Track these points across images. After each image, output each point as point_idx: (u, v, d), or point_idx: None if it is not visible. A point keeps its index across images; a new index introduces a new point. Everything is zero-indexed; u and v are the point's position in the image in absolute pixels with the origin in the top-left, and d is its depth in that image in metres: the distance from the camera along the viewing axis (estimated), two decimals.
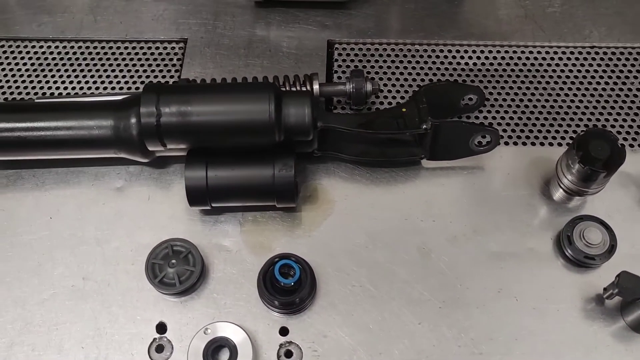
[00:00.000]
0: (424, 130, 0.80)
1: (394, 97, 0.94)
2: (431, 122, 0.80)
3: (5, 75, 0.97)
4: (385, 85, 0.95)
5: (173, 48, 1.00)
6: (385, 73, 0.97)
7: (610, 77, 0.96)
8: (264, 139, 0.77)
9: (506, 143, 0.89)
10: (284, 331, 0.76)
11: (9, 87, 0.96)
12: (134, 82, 0.96)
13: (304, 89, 0.87)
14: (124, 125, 0.79)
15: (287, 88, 0.87)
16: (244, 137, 0.77)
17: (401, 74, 0.97)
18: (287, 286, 0.75)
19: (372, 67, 0.98)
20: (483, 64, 0.98)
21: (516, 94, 0.94)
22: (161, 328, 0.76)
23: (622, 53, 0.99)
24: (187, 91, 0.77)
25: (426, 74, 0.97)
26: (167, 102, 0.75)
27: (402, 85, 0.95)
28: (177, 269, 0.77)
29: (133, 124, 0.79)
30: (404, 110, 0.84)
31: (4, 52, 1.00)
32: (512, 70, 0.97)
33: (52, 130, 0.80)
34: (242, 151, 0.79)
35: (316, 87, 0.87)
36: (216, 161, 0.78)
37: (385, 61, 0.98)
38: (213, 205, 0.80)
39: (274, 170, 0.78)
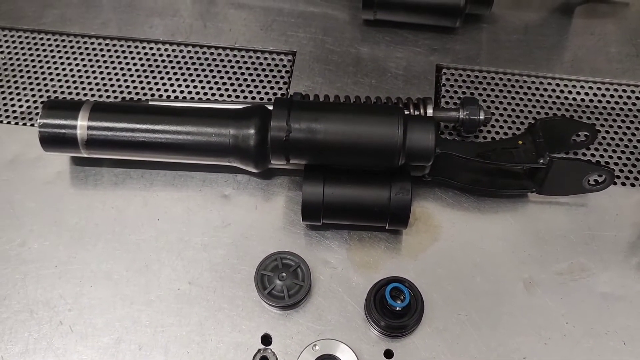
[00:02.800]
0: (542, 164, 0.80)
1: (501, 127, 0.94)
2: (549, 158, 0.80)
3: (117, 74, 0.99)
4: (492, 114, 0.95)
5: (281, 60, 1.01)
6: (492, 102, 0.97)
7: None
8: (388, 162, 0.77)
9: (614, 183, 0.88)
10: (389, 354, 0.76)
11: (119, 87, 0.98)
12: (242, 91, 0.97)
13: (416, 112, 0.88)
14: (242, 136, 0.80)
15: None
16: (369, 158, 0.77)
17: (509, 104, 0.97)
18: (395, 309, 0.75)
19: (480, 94, 0.98)
20: (591, 100, 0.97)
21: (625, 133, 0.94)
22: (266, 340, 0.77)
23: None
24: (316, 108, 0.78)
25: (534, 106, 0.96)
26: (297, 119, 0.76)
27: (509, 116, 0.95)
28: (286, 283, 0.78)
29: (252, 135, 0.80)
30: (520, 142, 0.84)
31: (116, 51, 1.02)
32: (621, 109, 0.96)
33: (172, 133, 0.82)
34: (359, 171, 0.80)
35: (430, 111, 0.87)
36: (333, 178, 0.79)
37: (493, 90, 0.98)
38: (324, 221, 0.81)
39: (390, 192, 0.78)
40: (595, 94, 0.98)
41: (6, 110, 0.95)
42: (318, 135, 0.76)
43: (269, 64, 1.01)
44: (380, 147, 0.76)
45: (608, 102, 0.98)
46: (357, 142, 0.76)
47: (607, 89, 0.99)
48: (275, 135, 0.76)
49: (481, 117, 0.88)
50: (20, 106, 0.95)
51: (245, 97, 0.97)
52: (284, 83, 0.99)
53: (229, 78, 0.99)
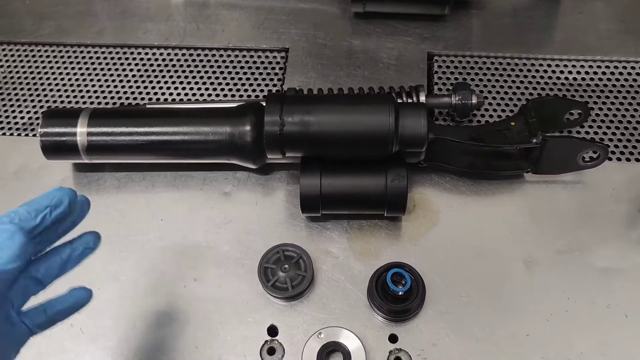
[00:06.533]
0: (535, 144, 0.81)
1: (494, 110, 0.95)
2: (542, 137, 0.81)
3: (114, 81, 1.01)
4: (485, 98, 0.96)
5: (275, 57, 1.03)
6: (485, 86, 0.98)
7: None
8: (381, 150, 0.78)
9: (609, 158, 0.89)
10: (393, 338, 0.77)
11: (117, 93, 0.99)
12: (237, 90, 0.99)
13: (409, 100, 0.89)
14: (239, 133, 0.82)
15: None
16: (363, 147, 0.78)
17: (501, 87, 0.98)
18: (397, 294, 0.76)
19: (472, 79, 0.99)
20: (583, 78, 0.98)
21: (618, 109, 0.94)
22: (272, 331, 0.78)
23: None
24: (308, 101, 0.79)
25: (526, 88, 0.97)
26: (290, 112, 0.77)
27: (502, 99, 0.96)
28: (289, 274, 0.79)
29: (248, 132, 0.81)
30: (512, 124, 0.85)
31: (112, 58, 1.04)
32: (614, 85, 0.97)
33: (169, 135, 0.83)
34: (354, 160, 0.81)
35: (422, 98, 0.88)
36: (330, 170, 0.80)
37: (485, 74, 0.99)
38: (323, 212, 0.82)
39: (386, 180, 0.79)
40: (587, 72, 0.99)
41: (8, 123, 0.97)
42: (311, 127, 0.77)
43: (262, 62, 1.02)
44: (373, 136, 0.77)
45: (600, 79, 0.98)
46: (350, 132, 0.77)
47: (599, 67, 0.99)
48: (270, 129, 0.77)
49: (474, 101, 0.89)
50: (22, 118, 0.97)
51: (241, 96, 0.98)
52: (279, 80, 1.00)
53: (224, 78, 1.01)
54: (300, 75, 1.00)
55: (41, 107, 0.99)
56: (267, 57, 1.03)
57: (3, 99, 1.00)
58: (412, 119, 0.78)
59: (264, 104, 0.82)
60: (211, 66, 1.02)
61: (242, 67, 1.02)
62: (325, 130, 0.77)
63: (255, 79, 1.00)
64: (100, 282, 0.81)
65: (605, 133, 0.92)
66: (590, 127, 0.93)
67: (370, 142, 0.78)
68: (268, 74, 1.01)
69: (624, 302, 0.78)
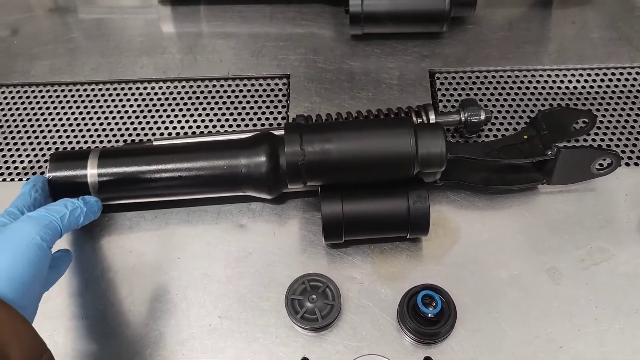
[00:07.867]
0: (550, 156, 0.82)
1: (501, 124, 0.96)
2: (556, 148, 0.82)
3: (114, 118, 0.99)
4: (490, 111, 0.96)
5: (277, 84, 1.02)
6: (489, 100, 0.99)
7: None
8: (403, 173, 0.78)
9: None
10: None
11: (119, 130, 0.98)
12: (242, 120, 0.98)
13: (419, 120, 0.89)
14: (254, 164, 0.81)
15: None
16: (385, 172, 0.78)
17: (505, 100, 0.99)
18: (428, 316, 0.76)
19: (475, 94, 1.00)
20: (583, 87, 1.00)
21: (620, 115, 0.96)
22: None
23: None
24: (327, 129, 0.79)
25: (529, 100, 0.98)
26: (310, 142, 0.76)
27: (507, 112, 0.97)
28: (317, 304, 0.78)
29: (263, 162, 0.81)
30: (525, 137, 0.86)
31: (110, 95, 1.02)
32: (613, 92, 0.99)
33: (184, 171, 0.82)
34: (374, 184, 0.81)
35: (432, 117, 0.89)
36: (350, 195, 0.80)
37: (487, 88, 1.00)
38: (346, 239, 0.82)
39: (408, 202, 0.79)
40: (586, 80, 1.01)
41: (7, 168, 0.94)
42: (333, 155, 0.76)
43: (265, 90, 1.02)
44: (395, 159, 0.77)
45: (599, 86, 1.00)
46: (372, 157, 0.77)
47: (597, 74, 1.01)
48: (291, 160, 0.77)
49: (482, 117, 0.89)
50: (22, 162, 0.95)
51: (247, 125, 0.97)
52: (283, 107, 0.99)
53: (227, 108, 0.99)
54: (304, 100, 0.99)
55: (40, 149, 0.96)
56: (268, 84, 1.02)
57: (0, 143, 0.97)
58: (431, 140, 0.78)
59: (277, 133, 0.82)
60: (213, 97, 1.01)
61: (244, 96, 1.01)
62: (347, 158, 0.77)
63: (260, 107, 0.99)
64: (121, 327, 0.80)
65: (611, 139, 0.94)
66: (596, 134, 0.94)
67: (392, 166, 0.77)
68: (272, 101, 1.00)
69: None
